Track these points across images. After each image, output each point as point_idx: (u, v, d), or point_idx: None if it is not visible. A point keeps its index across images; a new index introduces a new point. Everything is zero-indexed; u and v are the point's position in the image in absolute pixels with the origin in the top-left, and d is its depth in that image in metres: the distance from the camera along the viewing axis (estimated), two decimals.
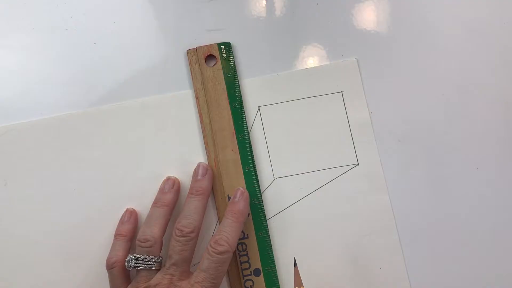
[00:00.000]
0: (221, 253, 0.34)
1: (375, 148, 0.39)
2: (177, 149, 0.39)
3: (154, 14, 0.41)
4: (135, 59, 0.40)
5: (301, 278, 0.35)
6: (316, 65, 0.40)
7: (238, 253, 0.38)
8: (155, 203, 0.37)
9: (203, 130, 0.39)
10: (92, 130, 0.39)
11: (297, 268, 0.35)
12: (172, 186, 0.38)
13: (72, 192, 0.39)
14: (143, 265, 0.35)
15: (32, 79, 0.40)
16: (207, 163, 0.38)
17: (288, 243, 0.39)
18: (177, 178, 0.38)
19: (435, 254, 0.38)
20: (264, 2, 0.41)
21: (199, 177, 0.37)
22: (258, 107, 0.40)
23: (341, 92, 0.40)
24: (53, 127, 0.39)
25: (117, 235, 0.37)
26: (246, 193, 0.37)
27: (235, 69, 0.39)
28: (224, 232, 0.35)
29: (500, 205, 0.39)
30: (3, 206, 0.38)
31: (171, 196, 0.37)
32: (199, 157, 0.39)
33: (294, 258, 0.36)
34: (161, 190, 0.38)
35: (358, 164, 0.39)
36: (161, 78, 0.40)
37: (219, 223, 0.38)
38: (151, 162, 0.39)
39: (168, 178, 0.38)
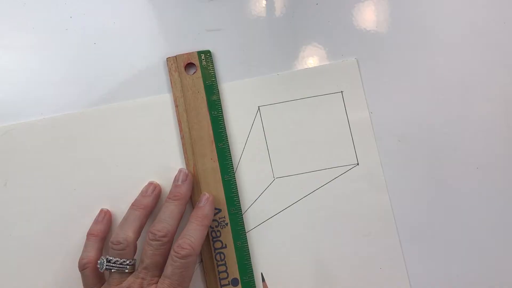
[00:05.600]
0: (183, 257, 0.33)
1: (375, 148, 0.39)
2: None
3: (155, 14, 0.40)
4: (136, 59, 0.40)
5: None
6: (316, 65, 0.40)
7: (216, 263, 0.38)
8: (133, 205, 0.37)
9: (182, 138, 0.39)
10: (91, 130, 0.39)
11: (265, 283, 0.36)
12: (153, 191, 0.38)
13: (72, 192, 0.39)
14: (115, 267, 0.34)
15: (32, 79, 0.40)
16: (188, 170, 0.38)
17: (287, 243, 0.39)
18: (158, 184, 0.38)
19: (435, 254, 0.38)
20: (264, 2, 0.41)
21: (179, 183, 0.37)
22: (258, 107, 0.40)
23: (341, 92, 0.40)
24: (53, 127, 0.39)
25: (88, 235, 0.37)
26: (211, 198, 0.37)
27: (215, 77, 0.39)
28: (187, 236, 0.34)
29: (500, 205, 0.39)
30: (3, 206, 0.38)
31: (150, 200, 0.37)
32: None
33: (262, 274, 0.37)
34: (142, 193, 0.38)
35: (358, 164, 0.39)
36: (163, 79, 0.40)
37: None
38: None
39: (151, 183, 0.38)
